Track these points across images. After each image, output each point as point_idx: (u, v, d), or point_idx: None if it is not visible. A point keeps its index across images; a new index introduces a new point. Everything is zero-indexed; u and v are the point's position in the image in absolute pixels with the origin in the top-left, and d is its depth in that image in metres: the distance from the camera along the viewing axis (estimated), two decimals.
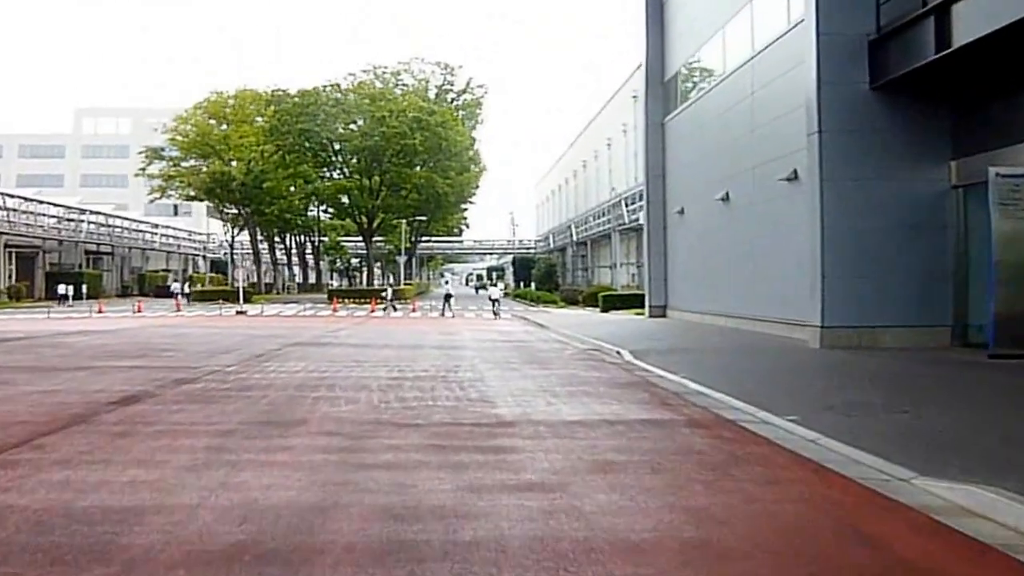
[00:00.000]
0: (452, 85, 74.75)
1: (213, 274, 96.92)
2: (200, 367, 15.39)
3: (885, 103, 19.58)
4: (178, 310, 46.71)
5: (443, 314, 44.89)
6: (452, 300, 47.59)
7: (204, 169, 63.24)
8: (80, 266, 72.76)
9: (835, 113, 19.56)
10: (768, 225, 23.75)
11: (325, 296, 61.56)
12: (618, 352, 19.49)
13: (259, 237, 78.14)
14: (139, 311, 46.31)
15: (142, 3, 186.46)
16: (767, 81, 24.10)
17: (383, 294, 52.24)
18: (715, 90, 28.60)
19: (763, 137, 24.13)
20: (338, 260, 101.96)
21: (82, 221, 72.13)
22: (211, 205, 66.38)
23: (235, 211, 66.80)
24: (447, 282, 67.76)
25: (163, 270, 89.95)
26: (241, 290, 46.35)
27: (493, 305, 46.19)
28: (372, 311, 48.28)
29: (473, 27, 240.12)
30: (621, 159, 68.72)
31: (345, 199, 62.28)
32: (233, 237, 69.35)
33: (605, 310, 47.74)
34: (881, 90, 19.46)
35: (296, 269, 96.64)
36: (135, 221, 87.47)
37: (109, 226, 79.02)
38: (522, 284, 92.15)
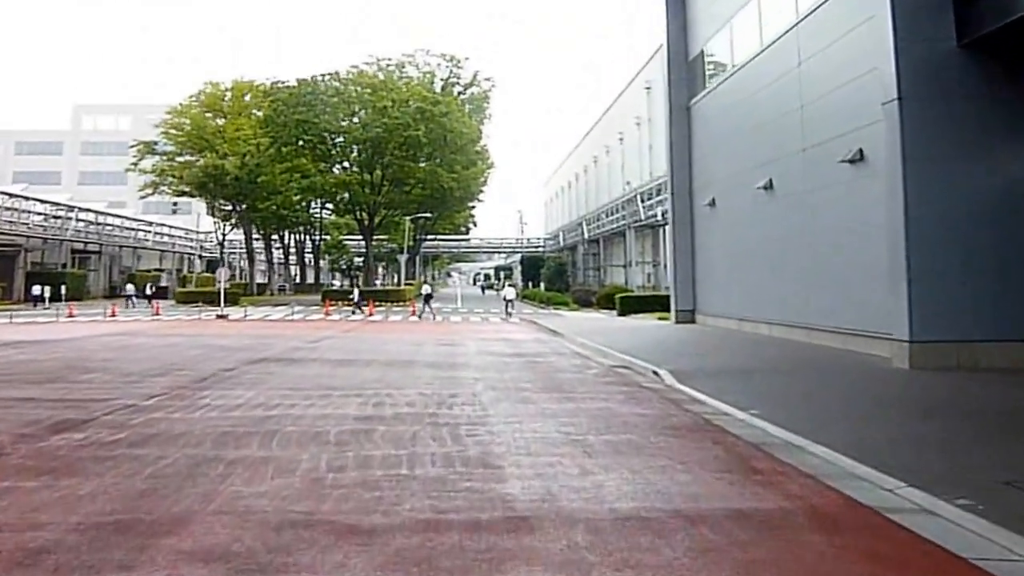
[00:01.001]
0: (459, 78, 71.05)
1: (209, 274, 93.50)
2: (112, 400, 11.72)
3: (977, 64, 15.86)
4: (157, 314, 43.17)
5: (420, 316, 43.04)
6: (432, 302, 46.60)
7: (197, 163, 59.46)
8: (65, 266, 69.52)
9: (917, 76, 15.81)
10: (826, 216, 20.01)
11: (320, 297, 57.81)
12: (656, 372, 15.79)
13: (255, 235, 74.57)
14: (112, 315, 42.78)
15: (142, 2, 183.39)
16: (818, 49, 20.38)
17: (350, 296, 48.53)
18: (750, 65, 24.89)
19: (815, 114, 20.41)
20: (341, 259, 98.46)
21: (69, 219, 68.64)
22: (205, 201, 62.42)
23: (229, 207, 62.99)
24: (425, 282, 64.14)
25: (155, 270, 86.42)
26: (222, 292, 42.67)
27: (506, 306, 47.00)
28: (369, 314, 44.65)
29: (474, 27, 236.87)
30: (635, 153, 65.04)
31: (345, 195, 58.42)
32: (224, 235, 65.58)
33: (622, 313, 44.10)
34: (972, 48, 15.74)
35: (295, 269, 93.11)
36: (127, 219, 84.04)
37: (99, 224, 75.60)
38: (530, 284, 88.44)
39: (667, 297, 45.82)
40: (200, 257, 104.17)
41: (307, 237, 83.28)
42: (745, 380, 14.82)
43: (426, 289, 50.08)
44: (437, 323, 39.01)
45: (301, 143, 55.75)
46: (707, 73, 28.96)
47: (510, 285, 68.12)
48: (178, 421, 9.96)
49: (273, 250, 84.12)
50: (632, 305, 44.92)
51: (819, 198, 20.27)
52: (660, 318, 37.61)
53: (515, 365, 17.91)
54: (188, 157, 60.49)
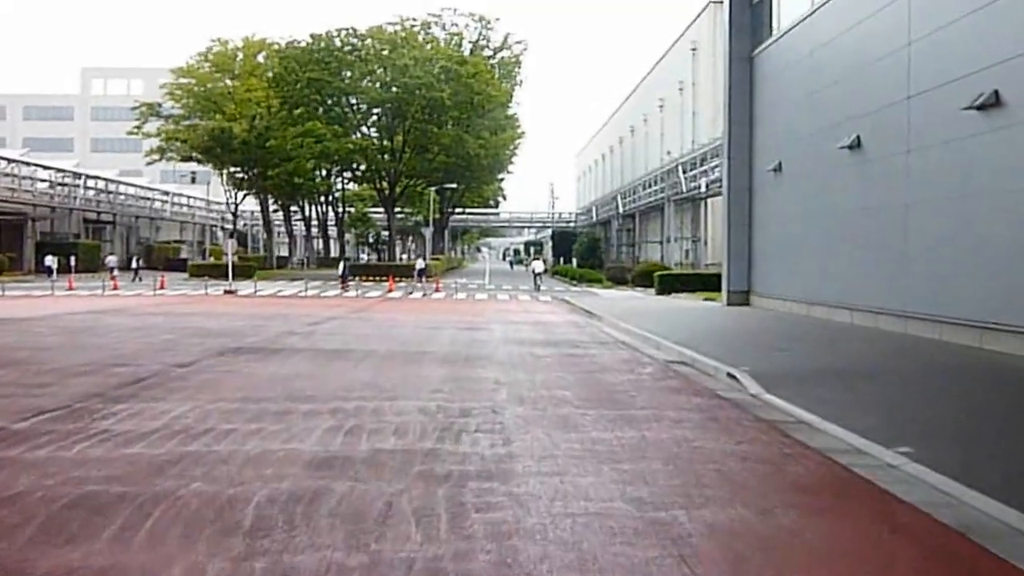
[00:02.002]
0: (488, 40, 67.06)
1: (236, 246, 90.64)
2: None
3: None
4: (162, 288, 39.97)
5: (423, 291, 41.16)
6: (426, 275, 45.96)
7: (201, 125, 55.88)
8: (78, 236, 66.75)
9: None
10: (941, 178, 16.11)
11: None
12: (731, 375, 12.13)
13: (273, 206, 71.26)
14: (114, 288, 39.68)
15: None
16: None
17: (340, 268, 45.24)
18: (834, 1, 20.89)
19: (927, 51, 16.46)
20: (368, 232, 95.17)
21: (77, 186, 65.67)
22: (212, 167, 58.87)
23: (240, 174, 59.38)
24: (418, 255, 60.80)
25: (175, 241, 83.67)
26: (230, 265, 39.35)
27: (535, 279, 47.53)
28: (389, 291, 41.22)
29: None
30: (676, 121, 61.00)
31: (362, 162, 54.47)
32: (236, 204, 62.07)
33: (661, 292, 40.34)
34: None
35: (320, 242, 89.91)
36: (143, 188, 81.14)
37: (110, 192, 72.66)
38: (561, 260, 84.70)
39: (709, 276, 42.16)
40: (222, 228, 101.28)
41: (330, 209, 79.70)
42: (858, 388, 11.16)
43: (420, 264, 46.81)
44: (460, 301, 35.49)
45: (314, 105, 51.99)
46: (776, 16, 24.94)
47: (536, 259, 66.03)
48: (28, 468, 6.44)
49: (293, 222, 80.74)
50: (671, 284, 41.13)
51: (930, 157, 16.36)
52: (706, 298, 33.89)
53: (549, 359, 14.28)
54: (195, 120, 56.90)
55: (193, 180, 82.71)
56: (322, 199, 78.82)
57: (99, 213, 70.64)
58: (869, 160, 18.75)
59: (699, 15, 56.29)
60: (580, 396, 10.53)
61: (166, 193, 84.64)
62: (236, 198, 60.87)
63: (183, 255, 78.93)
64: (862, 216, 19.19)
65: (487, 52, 66.30)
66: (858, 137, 19.09)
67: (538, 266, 51.34)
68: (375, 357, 14.19)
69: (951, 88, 15.28)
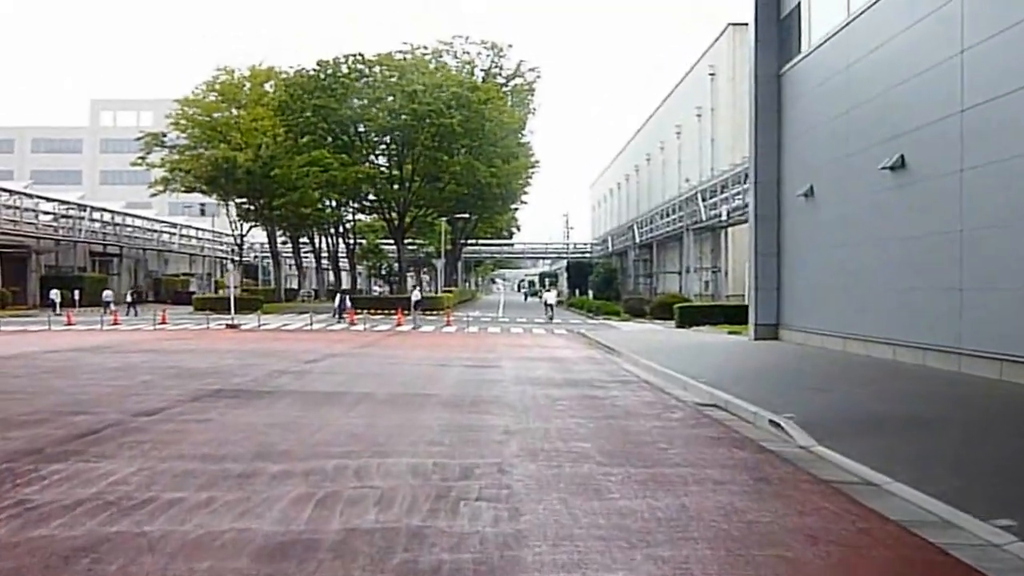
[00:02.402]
0: (501, 69, 66.06)
1: (244, 279, 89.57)
2: None
3: None
4: (163, 322, 38.63)
5: (414, 325, 39.73)
6: (421, 306, 44.18)
7: (205, 154, 54.67)
8: (84, 269, 65.73)
9: None
10: (1000, 203, 14.51)
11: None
12: (774, 423, 10.56)
13: (281, 237, 70.10)
14: (114, 323, 38.39)
15: None
16: None
17: (336, 300, 43.67)
18: (873, 11, 19.45)
19: (982, 59, 14.94)
20: (381, 264, 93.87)
21: (82, 218, 64.66)
22: (217, 198, 57.57)
23: (245, 204, 57.99)
24: (414, 286, 59.32)
25: (184, 274, 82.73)
26: (232, 299, 37.96)
27: (547, 309, 47.98)
28: (398, 324, 39.75)
29: (515, 20, 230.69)
30: (694, 147, 59.72)
31: (370, 191, 52.99)
32: (242, 236, 60.77)
33: (682, 325, 38.73)
34: None
35: (330, 274, 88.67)
36: (150, 220, 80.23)
37: (117, 225, 71.68)
38: (577, 291, 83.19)
39: (731, 307, 40.55)
40: (232, 261, 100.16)
41: (340, 240, 78.47)
42: (925, 439, 9.57)
43: (416, 295, 45.14)
44: (471, 335, 33.96)
45: (320, 133, 50.73)
46: (807, 30, 23.49)
47: (547, 290, 64.74)
48: None
49: (303, 254, 79.58)
50: (692, 316, 39.53)
51: (989, 176, 14.78)
52: (730, 332, 32.24)
53: (565, 403, 12.72)
54: (200, 150, 55.76)
55: (203, 212, 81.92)
56: (332, 230, 77.66)
57: (105, 246, 69.69)
58: (915, 181, 17.19)
59: (718, 38, 55.11)
60: (603, 449, 8.98)
61: (174, 225, 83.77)
62: (242, 229, 59.52)
63: (192, 288, 77.87)
64: (907, 243, 17.59)
65: (499, 80, 65.31)
66: (902, 157, 17.54)
67: (550, 297, 51.90)
68: (371, 401, 12.67)
69: (1013, 98, 13.74)
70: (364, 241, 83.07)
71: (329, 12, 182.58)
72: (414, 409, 11.75)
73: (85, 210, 66.22)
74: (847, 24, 20.78)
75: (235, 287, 38.13)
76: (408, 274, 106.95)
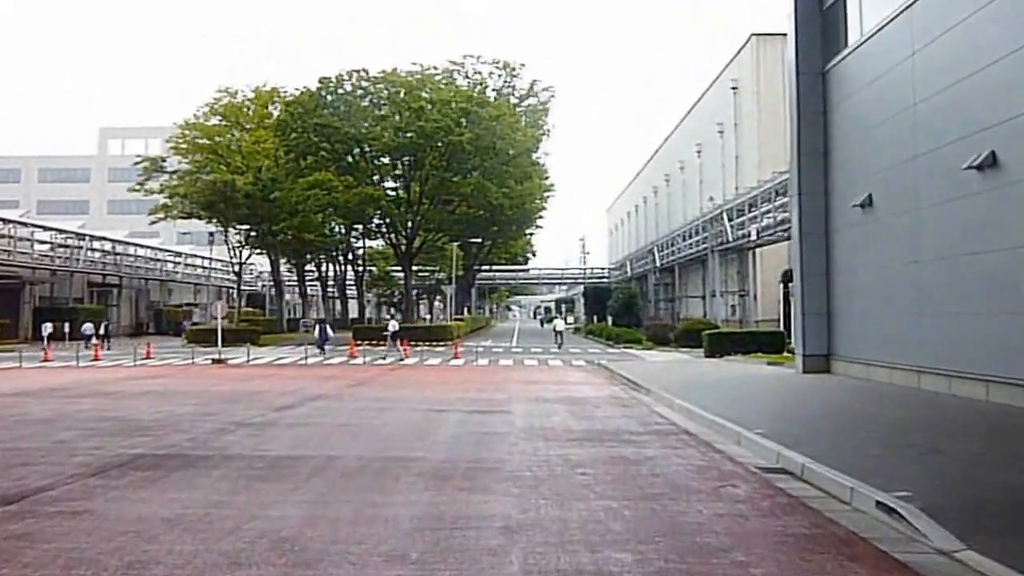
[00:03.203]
0: (514, 88, 63.12)
1: (251, 308, 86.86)
2: None
3: None
4: (148, 357, 35.74)
5: (386, 358, 35.92)
6: (398, 339, 39.77)
7: (203, 178, 51.86)
8: (81, 300, 63.13)
9: None
10: None
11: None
12: (886, 507, 7.44)
13: (286, 265, 67.28)
14: (95, 358, 35.50)
15: (170, 23, 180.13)
16: None
17: (316, 332, 40.35)
18: None
19: None
20: (393, 292, 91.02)
21: (80, 248, 62.12)
22: (217, 224, 54.70)
23: (246, 230, 54.99)
24: (391, 316, 55.99)
25: (188, 304, 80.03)
26: (219, 331, 34.95)
27: (556, 336, 48.75)
28: (403, 358, 36.68)
29: (527, 39, 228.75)
30: (716, 166, 56.67)
31: (375, 214, 49.84)
32: (241, 264, 57.83)
33: (711, 354, 35.44)
34: None
35: (338, 303, 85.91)
36: (154, 249, 77.78)
37: (117, 254, 69.19)
38: (595, 318, 79.93)
39: (764, 334, 37.29)
40: (238, 291, 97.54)
41: (348, 267, 75.60)
42: None
43: (392, 326, 41.66)
44: (479, 369, 30.88)
45: (323, 154, 47.77)
46: (853, 21, 20.45)
47: (558, 318, 65.09)
48: None
49: (308, 282, 76.75)
50: (722, 344, 36.27)
51: None
52: (769, 362, 29.05)
53: (590, 471, 9.60)
54: (200, 175, 52.99)
55: (211, 241, 79.41)
56: (340, 257, 74.87)
57: (104, 276, 67.21)
58: (1014, 181, 14.05)
59: (740, 50, 52.19)
60: (651, 566, 5.87)
61: (179, 254, 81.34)
62: (241, 257, 56.62)
63: (195, 318, 75.25)
64: (1003, 256, 14.42)
65: (513, 100, 62.44)
66: (992, 154, 14.42)
67: (559, 324, 53.18)
68: (332, 471, 9.58)
69: None
70: (375, 268, 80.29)
71: (329, 11, 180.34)
72: (385, 485, 8.67)
73: (83, 239, 63.78)
74: (908, 6, 17.73)
75: (222, 318, 35.11)
76: (421, 302, 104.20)
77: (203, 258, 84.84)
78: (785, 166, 40.25)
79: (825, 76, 21.88)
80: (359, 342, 43.63)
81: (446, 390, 21.20)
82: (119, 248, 70.16)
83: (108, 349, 40.13)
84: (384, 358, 35.73)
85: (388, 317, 58.04)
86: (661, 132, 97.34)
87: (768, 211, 40.67)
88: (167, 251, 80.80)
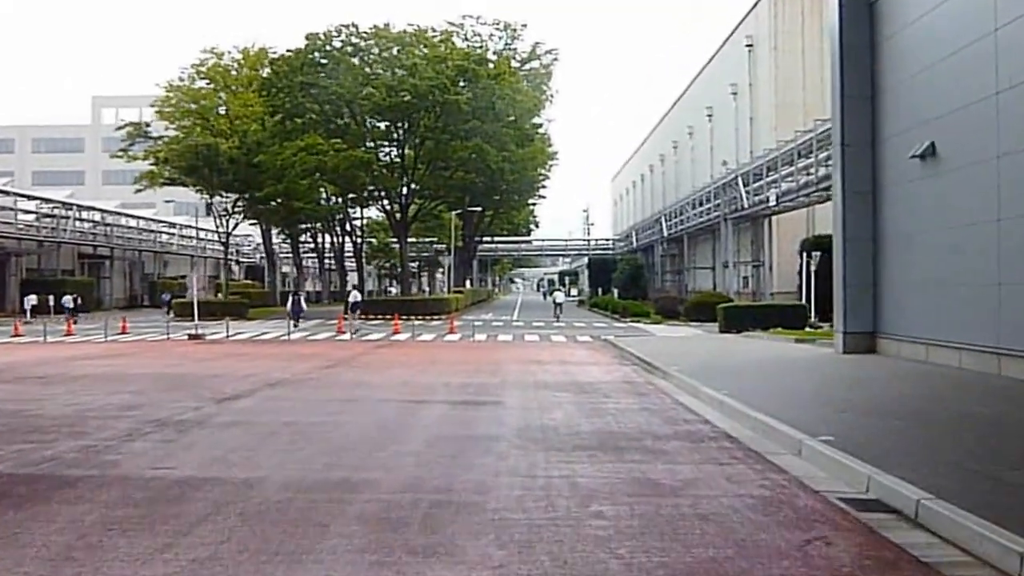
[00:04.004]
0: (515, 51, 59.76)
1: (249, 280, 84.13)
2: None
3: None
4: (123, 332, 33.00)
5: (352, 334, 32.76)
6: (359, 311, 37.77)
7: (185, 142, 48.58)
8: (72, 272, 60.45)
9: None
10: None
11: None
12: None
13: (279, 235, 64.32)
14: (68, 332, 32.77)
15: None
16: None
17: (289, 304, 37.44)
18: None
19: None
20: (393, 264, 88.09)
21: (67, 218, 59.23)
22: (201, 191, 51.39)
23: (232, 197, 51.61)
24: (354, 287, 52.97)
25: (183, 277, 77.32)
26: (195, 305, 32.08)
27: (555, 309, 48.30)
28: (395, 332, 33.88)
29: (531, 5, 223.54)
30: (729, 130, 53.53)
31: (365, 179, 46.33)
32: (228, 233, 54.65)
33: (727, 329, 32.58)
34: None
35: (336, 275, 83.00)
36: (147, 220, 74.99)
37: (108, 225, 66.39)
38: (599, 290, 77.09)
39: (784, 307, 34.28)
40: (238, 263, 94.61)
41: (346, 239, 72.52)
42: None
43: (354, 296, 38.44)
44: (476, 345, 28.08)
45: (310, 115, 44.43)
46: None
47: (559, 290, 63.46)
48: None
49: (302, 254, 73.86)
50: (739, 318, 33.39)
51: None
52: (797, 339, 26.12)
53: (607, 504, 6.72)
54: (187, 140, 49.76)
55: (209, 211, 76.43)
56: (337, 228, 71.87)
57: (95, 247, 64.54)
58: None
59: (756, 4, 48.83)
60: None
61: (173, 225, 78.40)
62: (228, 226, 53.51)
63: (192, 291, 72.59)
64: None
65: (514, 64, 59.09)
66: None
67: (559, 296, 52.34)
68: (234, 512, 6.60)
69: None
70: (374, 240, 77.44)
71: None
72: (301, 546, 5.76)
73: (71, 209, 60.95)
74: None
75: (199, 289, 32.29)
76: (422, 274, 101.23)
77: (199, 229, 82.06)
78: (806, 125, 37.27)
79: (873, 6, 18.79)
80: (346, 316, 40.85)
81: (434, 372, 18.38)
82: (110, 219, 67.50)
83: (75, 323, 37.28)
84: (353, 333, 32.89)
85: (353, 287, 55.03)
86: (668, 99, 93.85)
87: (789, 174, 37.60)
88: (161, 222, 78.04)
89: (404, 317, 38.06)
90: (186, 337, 30.46)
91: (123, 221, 70.04)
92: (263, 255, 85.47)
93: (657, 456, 8.91)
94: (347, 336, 31.90)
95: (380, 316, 42.45)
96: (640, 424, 11.15)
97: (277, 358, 22.13)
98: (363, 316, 40.97)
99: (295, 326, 34.77)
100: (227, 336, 31.13)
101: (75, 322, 37.58)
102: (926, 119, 16.62)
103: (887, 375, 15.56)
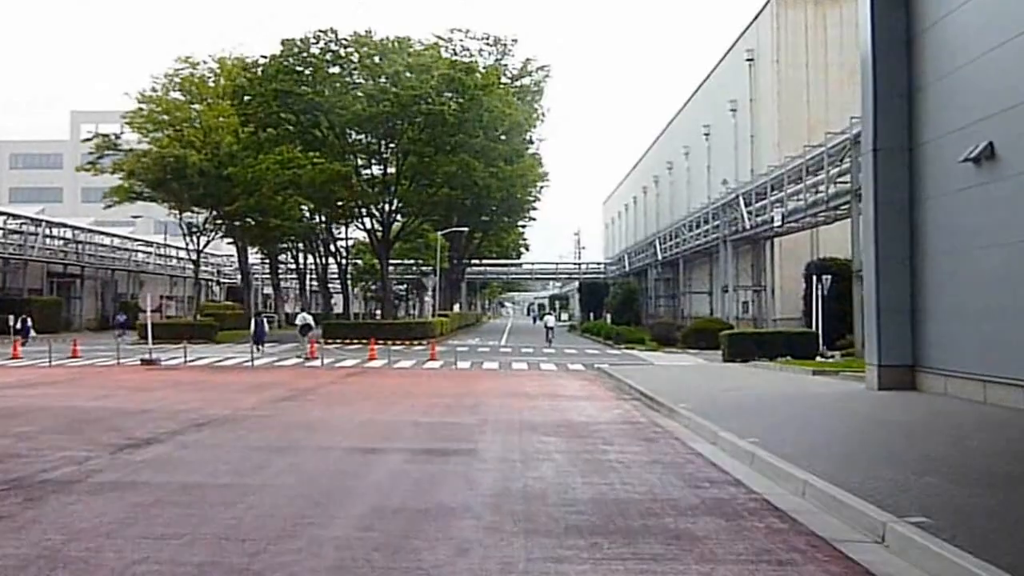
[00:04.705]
0: (506, 67, 57.57)
1: (230, 302, 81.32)
2: None
3: None
4: (74, 355, 30.28)
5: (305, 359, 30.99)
6: (311, 333, 35.04)
7: (152, 153, 45.91)
8: (41, 291, 57.61)
9: None
10: None
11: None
12: None
13: (257, 255, 61.61)
14: (13, 356, 30.02)
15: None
16: None
17: (252, 327, 35.20)
18: None
19: None
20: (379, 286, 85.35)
21: (35, 235, 56.43)
22: (170, 205, 48.49)
23: (212, 214, 48.63)
24: (303, 308, 50.09)
25: (162, 297, 74.46)
26: (149, 328, 29.33)
27: (547, 333, 47.98)
28: (370, 358, 31.22)
29: (521, 24, 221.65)
30: (727, 148, 51.21)
31: (344, 194, 43.45)
32: (199, 251, 51.71)
33: (732, 358, 30.07)
34: None
35: (319, 297, 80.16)
36: (122, 238, 72.16)
37: (79, 243, 63.61)
38: (591, 315, 74.57)
39: (794, 336, 31.77)
40: (219, 283, 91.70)
41: (331, 260, 69.74)
42: None
43: (303, 318, 35.67)
44: (457, 374, 25.46)
45: (285, 126, 41.68)
46: None
47: (549, 314, 63.67)
48: None
49: (280, 275, 71.14)
50: (743, 346, 31.01)
51: None
52: (815, 371, 23.53)
53: None
54: (155, 151, 47.03)
55: (190, 231, 73.79)
56: (320, 248, 69.16)
57: (65, 265, 61.77)
58: None
59: (758, 15, 46.65)
60: None
61: (150, 244, 75.56)
62: (199, 244, 50.59)
63: (170, 312, 69.72)
64: None
65: (504, 80, 56.77)
66: None
67: (549, 320, 52.37)
68: None
69: None
70: (360, 261, 74.84)
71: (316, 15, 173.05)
72: None
73: (40, 225, 58.16)
74: None
75: (153, 311, 29.54)
76: (411, 298, 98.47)
77: (177, 248, 79.23)
78: (812, 141, 34.94)
79: None
80: (327, 341, 38.06)
81: (403, 407, 15.79)
82: (81, 236, 64.71)
83: (24, 345, 34.47)
84: (305, 360, 30.32)
85: (300, 310, 52.33)
86: (662, 119, 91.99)
87: (796, 192, 35.21)
88: (139, 240, 75.22)
89: (384, 342, 35.37)
90: (139, 362, 27.71)
91: (96, 239, 67.27)
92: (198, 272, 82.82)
93: (684, 546, 6.29)
94: (318, 363, 29.18)
95: (357, 340, 39.74)
96: (653, 486, 8.55)
97: (228, 388, 19.45)
98: (343, 341, 38.35)
99: (259, 351, 32.11)
100: (184, 362, 28.37)
101: (23, 344, 34.74)
102: (980, 115, 14.12)
103: (948, 420, 12.92)
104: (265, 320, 36.66)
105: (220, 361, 30.04)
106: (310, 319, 36.66)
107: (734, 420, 12.58)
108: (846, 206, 31.97)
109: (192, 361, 29.18)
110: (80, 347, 33.61)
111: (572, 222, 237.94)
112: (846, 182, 30.74)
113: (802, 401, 15.95)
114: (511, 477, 8.97)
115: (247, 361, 29.15)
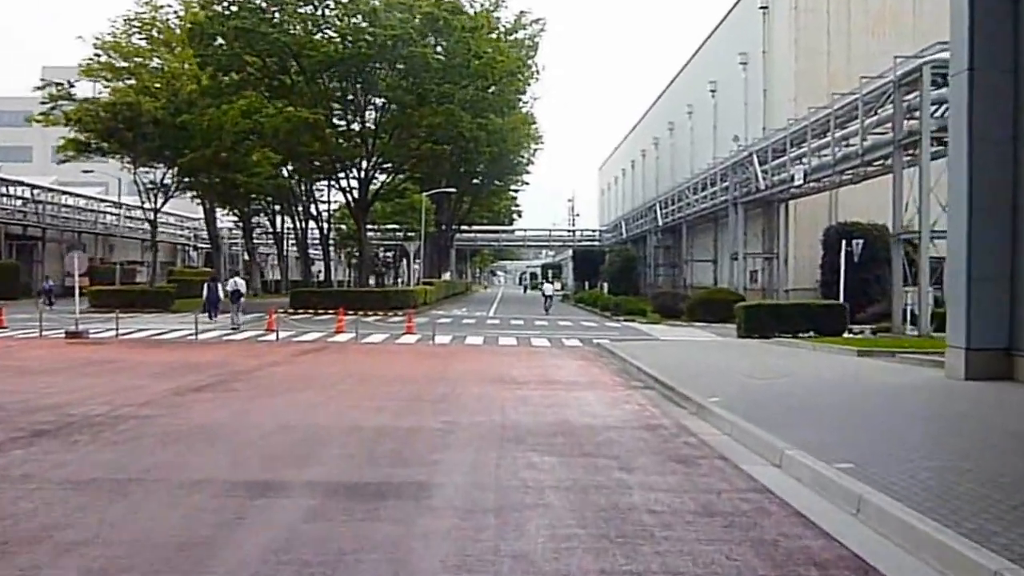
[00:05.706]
0: (499, 19, 53.16)
1: (208, 268, 77.33)
2: None
3: None
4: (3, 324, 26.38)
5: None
6: (242, 300, 31.15)
7: (101, 100, 41.62)
8: None
9: None
10: None
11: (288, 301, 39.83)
12: None
13: (229, 216, 57.54)
14: None
15: None
16: None
17: (204, 292, 32.03)
18: None
19: None
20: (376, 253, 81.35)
21: None
22: (123, 159, 44.15)
23: (158, 167, 44.34)
24: (236, 273, 45.90)
25: (133, 262, 70.36)
26: (76, 292, 25.43)
27: (545, 301, 46.76)
28: (337, 331, 27.43)
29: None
30: (736, 105, 47.30)
31: (314, 145, 39.09)
32: (156, 210, 47.31)
33: (749, 333, 26.32)
34: None
35: (300, 263, 76.18)
36: (89, 199, 67.97)
37: (39, 202, 59.48)
38: (586, 284, 70.86)
39: (816, 308, 27.95)
40: (196, 248, 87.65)
41: (311, 223, 65.56)
42: None
43: (232, 284, 31.77)
44: (435, 350, 21.76)
45: (250, 70, 37.32)
46: None
47: (547, 282, 59.44)
48: None
49: (254, 238, 67.07)
50: (762, 320, 26.97)
51: None
52: (860, 350, 19.74)
53: None
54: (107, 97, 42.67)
55: (165, 191, 69.53)
56: (300, 211, 65.00)
57: (24, 227, 57.79)
58: None
59: None
60: None
61: (119, 205, 71.19)
62: (156, 202, 46.34)
63: (141, 278, 65.67)
64: None
65: (497, 33, 52.46)
66: None
67: (547, 289, 50.37)
68: None
69: None
70: (344, 227, 70.82)
71: None
72: None
73: None
74: None
75: (81, 275, 25.65)
76: (399, 264, 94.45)
77: (151, 211, 75.06)
78: (831, 96, 31.09)
79: None
80: (297, 311, 34.08)
81: (346, 402, 12.02)
82: (43, 195, 60.53)
83: None
84: (235, 329, 26.76)
85: (235, 273, 48.32)
86: (662, 79, 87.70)
87: (821, 147, 31.37)
88: (107, 201, 70.92)
89: (358, 312, 31.47)
90: (64, 335, 23.81)
91: (60, 199, 63.10)
92: (227, 239, 78.64)
93: None
94: (273, 337, 25.34)
95: (329, 311, 35.85)
96: (714, 569, 4.79)
97: (142, 370, 15.62)
98: (314, 311, 34.55)
99: (211, 319, 28.32)
100: (116, 335, 24.45)
101: None
102: None
103: None
104: (219, 286, 32.73)
105: (162, 334, 26.17)
106: (242, 284, 32.46)
107: (796, 427, 8.96)
108: (879, 161, 28.21)
109: (129, 333, 25.35)
110: (13, 316, 29.73)
111: (567, 189, 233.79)
112: (882, 132, 26.91)
113: (873, 397, 12.16)
114: (473, 557, 5.21)
115: (192, 334, 25.24)
